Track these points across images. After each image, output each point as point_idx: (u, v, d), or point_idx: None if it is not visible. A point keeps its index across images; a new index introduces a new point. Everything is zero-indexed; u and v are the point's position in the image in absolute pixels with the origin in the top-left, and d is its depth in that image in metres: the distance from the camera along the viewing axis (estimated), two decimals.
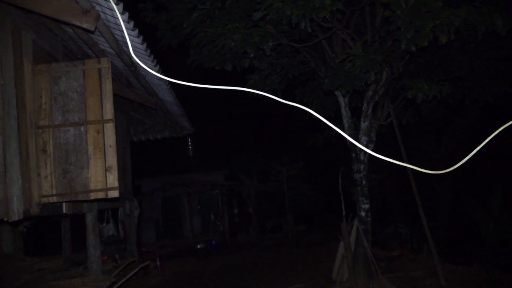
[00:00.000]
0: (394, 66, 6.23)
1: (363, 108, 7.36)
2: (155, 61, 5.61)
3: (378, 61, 5.70)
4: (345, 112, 7.64)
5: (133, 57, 2.58)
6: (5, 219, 4.21)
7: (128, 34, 4.45)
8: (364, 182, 7.34)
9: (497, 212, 9.30)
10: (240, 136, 24.43)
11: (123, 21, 4.09)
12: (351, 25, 7.13)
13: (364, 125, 7.35)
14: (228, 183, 17.94)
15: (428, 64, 7.68)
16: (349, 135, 7.58)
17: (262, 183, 16.95)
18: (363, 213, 7.27)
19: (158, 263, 9.67)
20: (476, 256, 8.77)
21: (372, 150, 7.61)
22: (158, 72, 6.07)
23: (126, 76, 6.91)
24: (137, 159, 11.81)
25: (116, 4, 3.84)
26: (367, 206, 7.29)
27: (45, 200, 4.83)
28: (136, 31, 4.59)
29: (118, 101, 7.57)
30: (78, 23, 3.95)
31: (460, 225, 11.23)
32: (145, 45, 5.01)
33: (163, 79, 6.32)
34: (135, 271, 6.99)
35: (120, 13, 3.98)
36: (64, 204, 5.30)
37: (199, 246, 14.18)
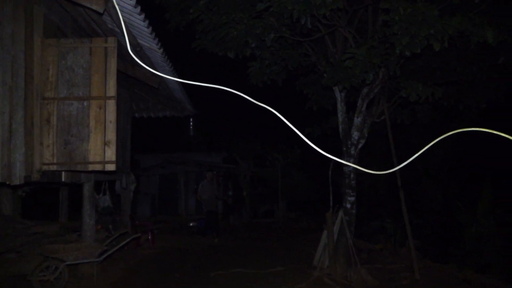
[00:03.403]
0: (390, 69, 6.45)
1: (358, 104, 7.59)
2: (159, 44, 5.83)
3: (377, 64, 5.94)
4: (340, 107, 7.88)
5: (132, 54, 2.81)
6: (7, 183, 4.52)
7: (135, 18, 4.68)
8: (352, 175, 7.62)
9: (481, 217, 9.61)
10: (241, 120, 24.71)
11: (131, 6, 4.31)
12: (353, 23, 7.32)
13: (357, 120, 7.59)
14: (225, 166, 18.26)
15: (426, 66, 7.88)
16: (342, 129, 7.83)
17: (258, 168, 17.27)
18: (348, 205, 7.56)
19: (150, 237, 10.02)
20: (454, 255, 9.13)
21: (363, 146, 7.88)
22: (162, 54, 6.31)
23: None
24: (138, 134, 12.10)
25: None
26: (353, 198, 7.58)
27: (45, 167, 5.13)
28: (143, 16, 4.82)
29: (123, 77, 7.82)
30: (88, 5, 4.19)
31: (445, 225, 11.55)
32: (150, 28, 5.24)
33: (166, 61, 6.56)
34: (126, 241, 7.31)
35: None
36: (63, 173, 5.62)
37: (191, 224, 14.54)
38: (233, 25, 6.13)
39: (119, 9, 4.87)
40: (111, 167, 5.29)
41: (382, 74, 7.12)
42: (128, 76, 7.97)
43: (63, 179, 5.69)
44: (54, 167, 5.18)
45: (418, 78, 7.39)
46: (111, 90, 5.32)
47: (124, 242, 7.20)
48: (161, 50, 6.07)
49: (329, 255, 7.27)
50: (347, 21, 7.12)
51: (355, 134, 7.60)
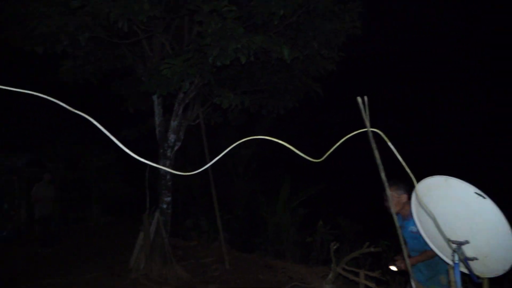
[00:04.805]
0: (205, 77, 6.95)
1: (174, 108, 7.91)
2: None
3: (193, 74, 6.35)
4: (157, 110, 8.09)
5: None
6: None
7: None
8: (168, 176, 7.90)
9: (280, 210, 11.05)
10: (50, 120, 22.50)
11: None
12: (170, 30, 7.62)
13: (173, 124, 7.91)
14: (29, 169, 16.45)
15: (235, 76, 8.71)
16: (159, 132, 8.05)
17: (69, 171, 16.12)
18: (164, 205, 7.82)
19: None
20: (258, 244, 10.31)
21: (179, 148, 8.25)
22: None
23: None
24: None
25: None
26: (169, 199, 7.87)
27: None
28: None
29: None
30: None
31: (251, 219, 12.86)
32: None
33: None
34: None
35: None
36: None
37: None
38: (42, 20, 5.74)
39: None
40: None
41: (197, 81, 7.61)
42: None
43: None
44: None
45: (229, 86, 8.14)
46: None
47: None
48: None
49: (146, 255, 7.41)
50: (164, 28, 7.38)
51: (172, 137, 7.91)
